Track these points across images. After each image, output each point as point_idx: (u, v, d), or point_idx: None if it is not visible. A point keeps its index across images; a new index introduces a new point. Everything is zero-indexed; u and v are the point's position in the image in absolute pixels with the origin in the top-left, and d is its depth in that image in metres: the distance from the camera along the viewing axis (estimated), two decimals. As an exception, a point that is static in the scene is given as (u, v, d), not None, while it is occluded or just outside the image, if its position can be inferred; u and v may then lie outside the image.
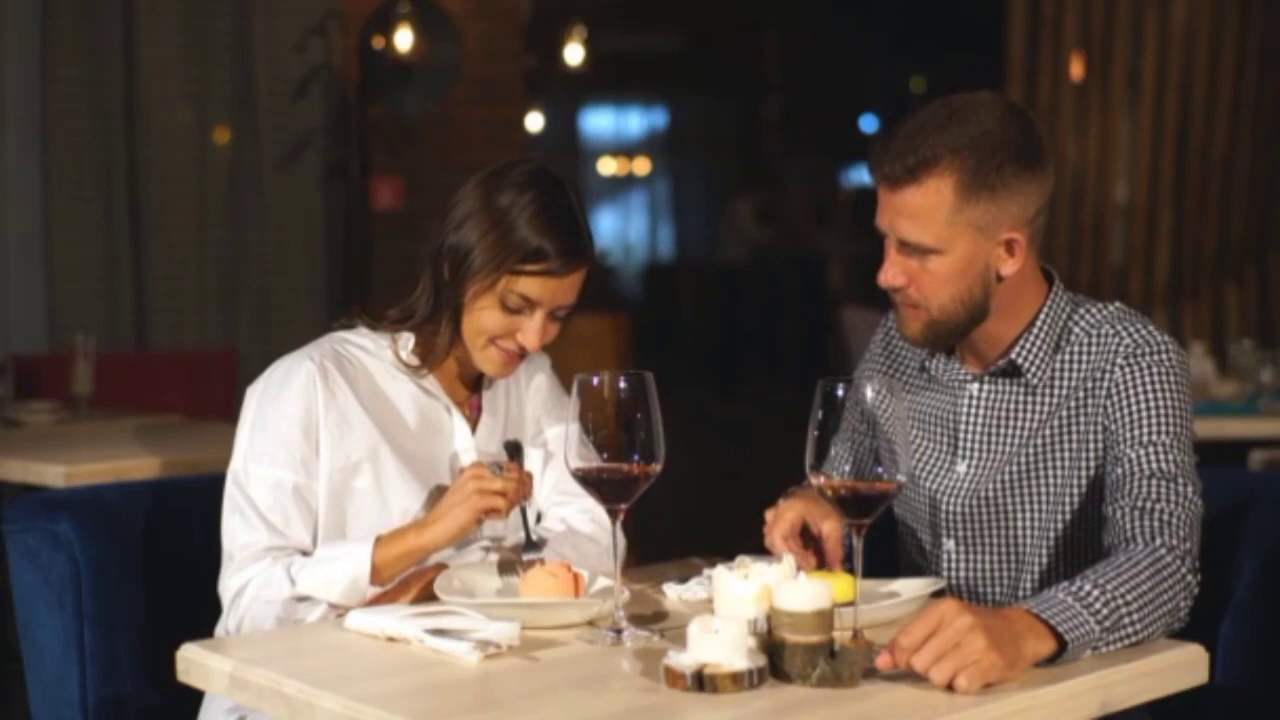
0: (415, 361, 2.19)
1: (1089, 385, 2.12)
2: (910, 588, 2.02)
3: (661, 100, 15.35)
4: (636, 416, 1.84)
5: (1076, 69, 6.80)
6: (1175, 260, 6.74)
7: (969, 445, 2.20)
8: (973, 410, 2.19)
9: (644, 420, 1.83)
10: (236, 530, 2.11)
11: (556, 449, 2.31)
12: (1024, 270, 2.13)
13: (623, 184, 15.61)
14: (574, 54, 8.60)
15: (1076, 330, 2.15)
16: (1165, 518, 1.96)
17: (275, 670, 1.74)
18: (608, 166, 15.44)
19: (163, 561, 2.33)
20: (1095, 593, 1.79)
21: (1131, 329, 2.12)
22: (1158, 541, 1.93)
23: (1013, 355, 2.15)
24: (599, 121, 15.43)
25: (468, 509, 2.06)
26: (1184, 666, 1.84)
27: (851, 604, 1.83)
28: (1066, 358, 2.15)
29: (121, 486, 2.43)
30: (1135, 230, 6.77)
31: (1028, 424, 2.16)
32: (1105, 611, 1.78)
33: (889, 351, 2.34)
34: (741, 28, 13.65)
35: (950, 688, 1.63)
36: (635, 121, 15.63)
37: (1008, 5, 6.89)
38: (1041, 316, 2.15)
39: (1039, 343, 2.15)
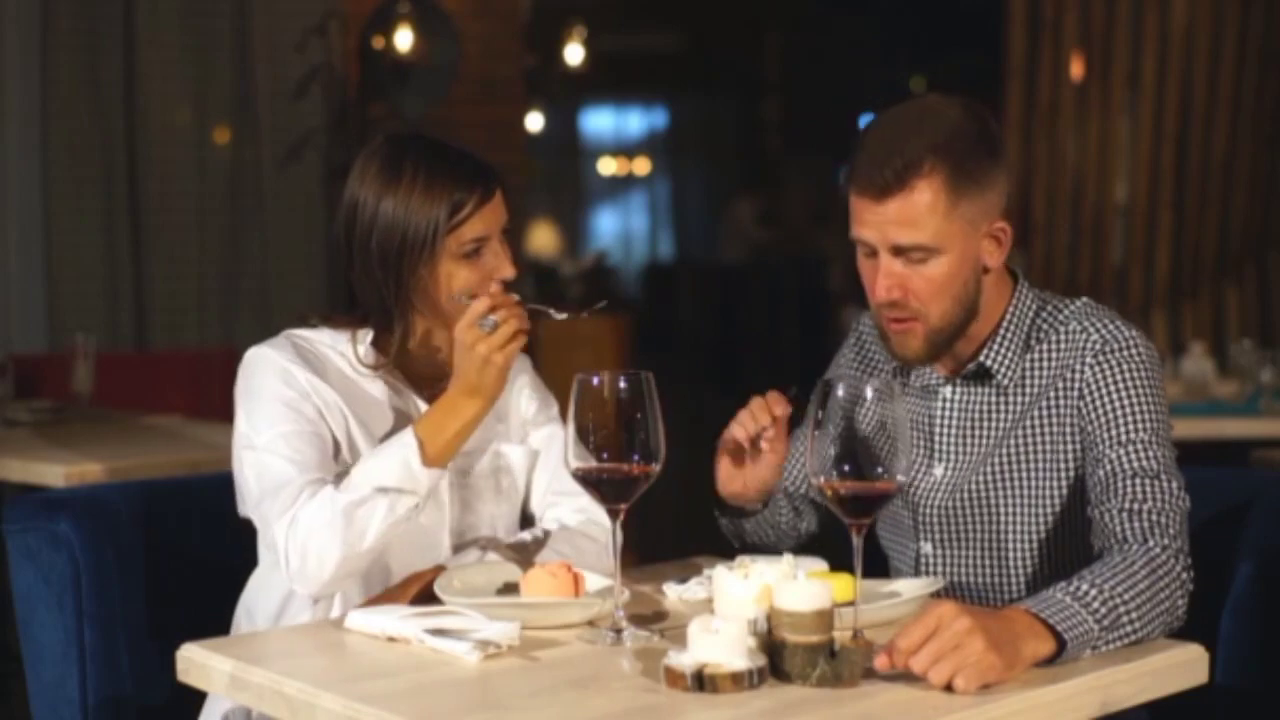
0: (372, 360, 2.19)
1: (1059, 385, 2.11)
2: (910, 588, 2.02)
3: (661, 100, 15.34)
4: (636, 416, 1.83)
5: (1076, 69, 6.80)
6: (1175, 260, 6.74)
7: (945, 449, 2.19)
8: (947, 414, 2.19)
9: (644, 420, 1.83)
10: (269, 482, 2.06)
11: (545, 449, 2.31)
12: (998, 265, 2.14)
13: (623, 184, 15.59)
14: (574, 54, 8.61)
15: (1045, 328, 2.15)
16: (1155, 517, 1.96)
17: (275, 670, 1.74)
18: (608, 166, 15.44)
19: (163, 561, 2.33)
20: (1093, 592, 1.79)
21: (1099, 324, 2.11)
22: (1150, 542, 1.93)
23: (981, 358, 2.15)
24: (599, 121, 15.42)
25: (495, 370, 2.05)
26: (1184, 666, 1.84)
27: (851, 604, 1.83)
28: (1036, 356, 2.14)
29: (121, 486, 2.43)
30: (1135, 230, 6.77)
31: (1001, 424, 2.16)
32: (1103, 610, 1.78)
33: (863, 357, 2.33)
34: (741, 28, 13.65)
35: (949, 688, 1.63)
36: (635, 121, 15.62)
37: (1008, 5, 6.89)
38: (1008, 316, 2.15)
39: (1007, 343, 2.15)
